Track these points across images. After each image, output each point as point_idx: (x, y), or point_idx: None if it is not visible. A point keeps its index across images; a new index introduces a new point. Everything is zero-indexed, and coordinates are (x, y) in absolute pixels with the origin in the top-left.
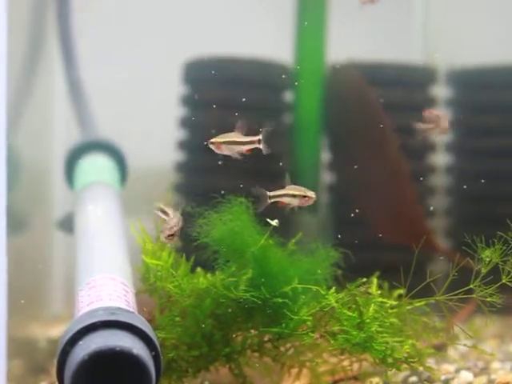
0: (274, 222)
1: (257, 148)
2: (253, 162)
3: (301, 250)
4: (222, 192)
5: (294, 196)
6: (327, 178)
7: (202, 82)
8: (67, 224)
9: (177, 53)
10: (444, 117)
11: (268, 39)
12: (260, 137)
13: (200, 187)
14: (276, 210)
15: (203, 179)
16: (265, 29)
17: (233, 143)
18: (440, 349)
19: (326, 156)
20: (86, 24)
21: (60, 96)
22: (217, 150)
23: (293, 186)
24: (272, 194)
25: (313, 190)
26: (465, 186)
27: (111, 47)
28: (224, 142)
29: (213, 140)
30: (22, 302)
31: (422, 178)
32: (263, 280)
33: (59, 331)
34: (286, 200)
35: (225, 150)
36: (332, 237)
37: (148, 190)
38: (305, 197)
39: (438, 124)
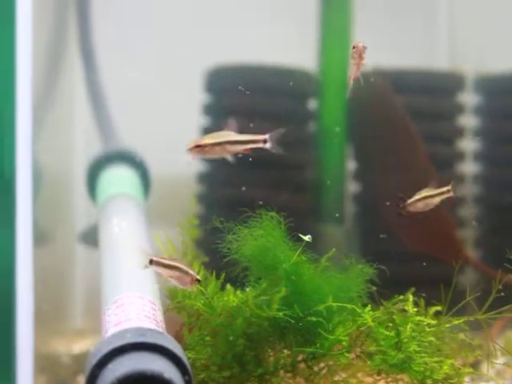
0: (307, 238)
1: (279, 156)
2: (277, 172)
3: (333, 266)
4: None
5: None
6: (353, 187)
7: (225, 90)
8: (89, 237)
9: (199, 61)
10: None
11: (292, 46)
12: (266, 136)
13: (223, 198)
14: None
15: (226, 190)
16: (289, 36)
17: (229, 143)
18: (475, 366)
19: (351, 165)
20: (107, 33)
21: (81, 107)
22: (205, 154)
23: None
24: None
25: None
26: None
27: (133, 55)
28: (217, 143)
29: (201, 142)
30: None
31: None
32: (296, 298)
33: (82, 346)
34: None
35: (219, 153)
36: (358, 248)
37: (171, 200)
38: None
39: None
